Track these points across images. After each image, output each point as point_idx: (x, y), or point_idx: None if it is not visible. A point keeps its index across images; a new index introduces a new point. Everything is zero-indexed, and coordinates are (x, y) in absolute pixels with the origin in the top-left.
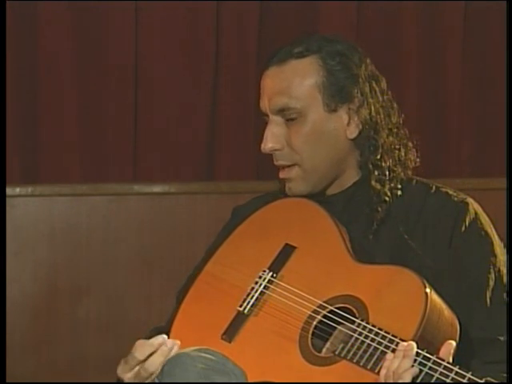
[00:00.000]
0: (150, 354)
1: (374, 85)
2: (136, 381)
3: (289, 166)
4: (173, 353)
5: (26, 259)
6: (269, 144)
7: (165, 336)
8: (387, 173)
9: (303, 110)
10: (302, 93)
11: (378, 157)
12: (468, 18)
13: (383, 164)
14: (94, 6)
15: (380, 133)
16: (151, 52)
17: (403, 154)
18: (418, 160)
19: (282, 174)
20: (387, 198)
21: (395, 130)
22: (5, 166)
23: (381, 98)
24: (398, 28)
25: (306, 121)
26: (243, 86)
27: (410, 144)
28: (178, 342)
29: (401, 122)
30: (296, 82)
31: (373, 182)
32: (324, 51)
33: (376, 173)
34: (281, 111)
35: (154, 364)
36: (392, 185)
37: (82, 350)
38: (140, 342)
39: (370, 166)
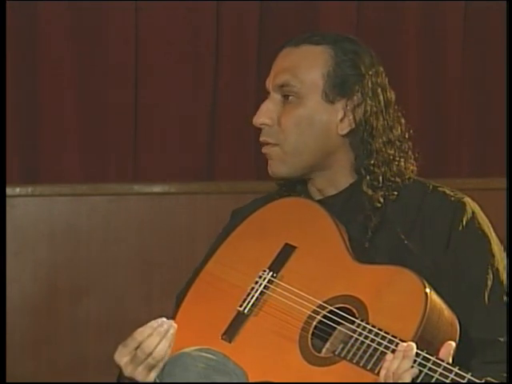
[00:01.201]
0: (149, 336)
1: (379, 91)
2: (132, 364)
3: (271, 144)
4: (169, 334)
5: (26, 259)
6: (260, 118)
7: (163, 318)
8: (380, 179)
9: (302, 92)
10: (305, 75)
11: (372, 162)
12: (468, 18)
13: (376, 170)
14: (94, 6)
15: (376, 138)
16: (151, 52)
17: (402, 164)
18: (415, 169)
19: (263, 149)
20: (379, 205)
21: (398, 144)
22: (5, 166)
23: (383, 105)
24: (398, 28)
25: (301, 104)
26: (243, 86)
27: (411, 155)
28: (175, 325)
29: (406, 136)
30: (303, 64)
31: (364, 187)
32: (339, 45)
33: (368, 178)
34: (281, 87)
35: (151, 345)
36: (387, 193)
37: (82, 350)
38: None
39: (363, 171)
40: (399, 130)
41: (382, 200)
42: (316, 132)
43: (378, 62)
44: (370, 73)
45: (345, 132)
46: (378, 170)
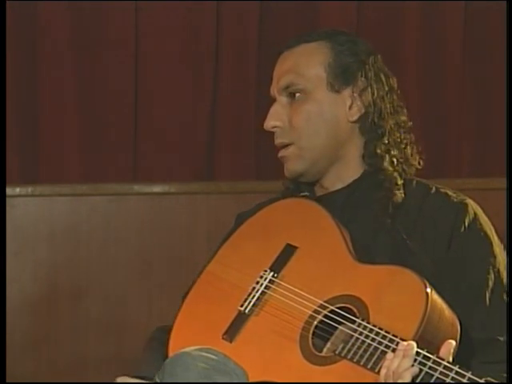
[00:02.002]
0: None
1: (382, 76)
2: None
3: (287, 146)
4: None
5: (26, 259)
6: (270, 121)
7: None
8: (395, 160)
9: (307, 88)
10: (308, 71)
11: (386, 142)
12: (468, 18)
13: (392, 151)
14: (94, 6)
15: (386, 119)
16: (151, 52)
17: (409, 152)
18: (421, 162)
19: (279, 154)
20: (399, 182)
21: (403, 127)
22: (5, 166)
23: (387, 89)
24: (398, 28)
25: (308, 99)
26: (243, 86)
27: (416, 147)
28: None
29: (409, 125)
30: (303, 60)
31: (385, 164)
32: (334, 38)
33: (387, 158)
34: (286, 88)
35: None
36: (399, 176)
37: (82, 350)
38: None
39: (379, 151)
40: (404, 116)
41: (400, 178)
42: (327, 123)
43: (376, 51)
44: (370, 58)
45: (355, 118)
46: (393, 151)
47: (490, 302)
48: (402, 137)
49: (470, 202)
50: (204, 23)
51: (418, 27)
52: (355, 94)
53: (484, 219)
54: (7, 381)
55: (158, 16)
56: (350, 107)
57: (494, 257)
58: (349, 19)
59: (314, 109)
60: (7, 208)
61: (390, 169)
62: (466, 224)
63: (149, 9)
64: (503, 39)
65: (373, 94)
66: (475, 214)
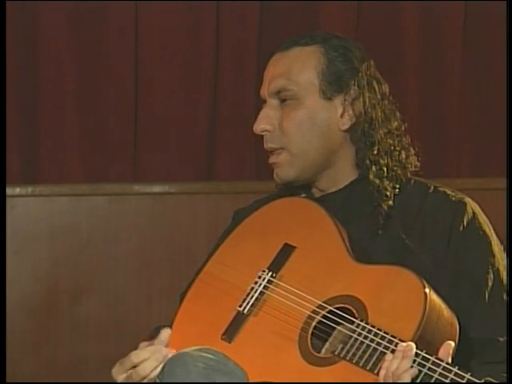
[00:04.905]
0: (145, 360)
1: (374, 84)
2: (128, 383)
3: (277, 151)
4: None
5: (26, 259)
6: (261, 125)
7: (164, 339)
8: (385, 169)
9: (299, 94)
10: (300, 77)
11: (375, 152)
12: (468, 18)
13: (381, 161)
14: (94, 5)
15: (376, 129)
16: (151, 52)
17: (404, 156)
18: (418, 164)
19: (270, 159)
20: (388, 193)
21: (396, 133)
22: (5, 166)
23: (379, 97)
24: (398, 28)
25: (300, 105)
26: (243, 86)
27: (412, 150)
28: (174, 351)
29: (403, 128)
30: (296, 66)
31: (371, 177)
32: (328, 43)
33: (374, 168)
34: (278, 93)
35: (146, 369)
36: (391, 184)
37: (82, 350)
38: (143, 344)
39: (368, 162)
40: (396, 122)
41: (389, 188)
42: (319, 130)
43: (368, 56)
44: (363, 66)
45: (346, 127)
46: (382, 161)
47: (490, 302)
48: (396, 143)
49: (468, 200)
50: (204, 23)
51: (418, 27)
52: (347, 103)
53: (483, 218)
54: (7, 381)
55: (158, 16)
56: (342, 115)
57: (493, 256)
58: (349, 19)
59: (306, 115)
60: (7, 208)
61: (377, 181)
62: (465, 223)
63: (149, 9)
64: (503, 39)
65: (364, 103)
66: (474, 212)
